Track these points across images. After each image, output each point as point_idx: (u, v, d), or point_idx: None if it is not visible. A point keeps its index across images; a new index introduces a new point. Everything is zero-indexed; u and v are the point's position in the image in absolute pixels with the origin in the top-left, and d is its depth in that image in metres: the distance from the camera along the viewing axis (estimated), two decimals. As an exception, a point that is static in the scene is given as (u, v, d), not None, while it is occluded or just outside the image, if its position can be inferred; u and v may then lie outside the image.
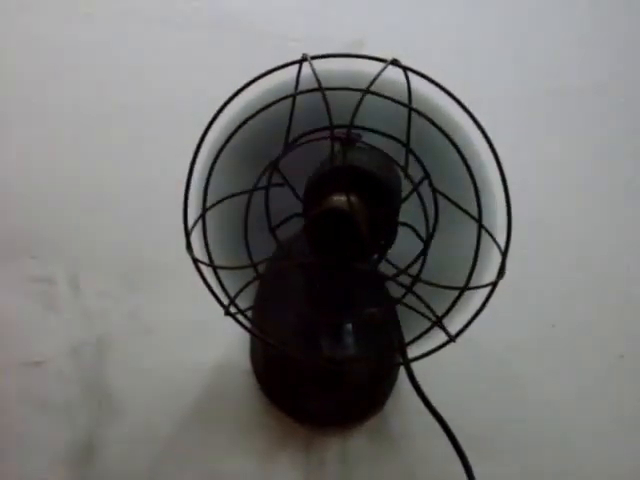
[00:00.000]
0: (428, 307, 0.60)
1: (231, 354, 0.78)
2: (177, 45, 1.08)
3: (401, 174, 0.59)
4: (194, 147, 0.60)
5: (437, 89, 0.56)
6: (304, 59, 0.57)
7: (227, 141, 0.58)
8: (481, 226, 0.58)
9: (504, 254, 0.58)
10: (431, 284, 0.59)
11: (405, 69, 0.57)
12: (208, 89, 1.00)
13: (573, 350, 0.82)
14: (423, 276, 0.60)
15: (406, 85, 0.59)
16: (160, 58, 1.06)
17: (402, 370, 0.74)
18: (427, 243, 0.60)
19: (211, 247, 0.63)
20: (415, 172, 0.59)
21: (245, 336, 0.78)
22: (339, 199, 0.55)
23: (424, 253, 0.60)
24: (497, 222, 0.59)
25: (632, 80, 1.09)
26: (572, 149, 0.99)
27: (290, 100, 0.58)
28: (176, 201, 0.87)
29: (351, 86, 0.55)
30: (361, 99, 0.54)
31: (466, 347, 0.74)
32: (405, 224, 0.61)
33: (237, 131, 0.58)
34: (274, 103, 0.57)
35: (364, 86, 0.55)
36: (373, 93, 0.54)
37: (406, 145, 0.59)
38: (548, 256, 0.87)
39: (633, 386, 0.80)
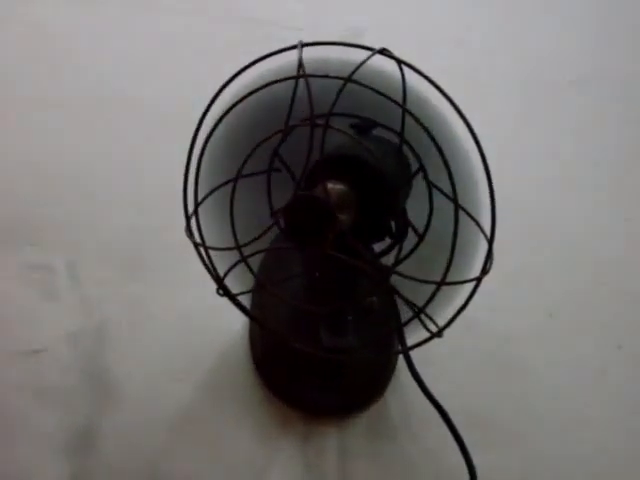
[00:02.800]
0: (407, 301, 0.60)
1: (230, 343, 0.78)
2: (176, 32, 1.08)
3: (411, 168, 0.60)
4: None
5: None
6: (294, 46, 0.57)
7: (214, 127, 0.60)
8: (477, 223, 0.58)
9: (489, 250, 0.57)
10: (407, 277, 0.58)
11: (394, 59, 0.56)
12: (206, 76, 1.00)
13: (571, 340, 0.82)
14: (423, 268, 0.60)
15: (400, 76, 0.59)
16: (159, 46, 1.06)
17: (401, 359, 0.74)
18: (422, 236, 0.61)
19: (210, 231, 0.65)
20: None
21: (245, 325, 0.78)
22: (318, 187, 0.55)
23: (417, 245, 0.61)
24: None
25: (630, 71, 1.10)
26: (572, 140, 1.00)
27: (278, 87, 0.58)
28: (175, 188, 0.87)
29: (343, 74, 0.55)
30: (342, 87, 0.54)
31: (465, 337, 0.75)
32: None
33: (224, 117, 0.59)
34: (261, 88, 0.58)
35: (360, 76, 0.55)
36: (354, 82, 0.54)
37: (401, 135, 0.59)
38: (546, 246, 0.88)
39: (631, 376, 0.80)
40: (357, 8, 1.14)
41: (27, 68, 1.01)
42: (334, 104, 0.54)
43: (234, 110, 0.60)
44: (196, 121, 0.60)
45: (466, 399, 0.75)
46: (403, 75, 0.58)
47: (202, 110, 0.60)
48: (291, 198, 0.54)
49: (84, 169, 0.91)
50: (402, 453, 0.72)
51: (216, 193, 0.64)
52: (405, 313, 0.63)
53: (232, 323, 0.78)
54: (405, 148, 0.61)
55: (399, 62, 0.56)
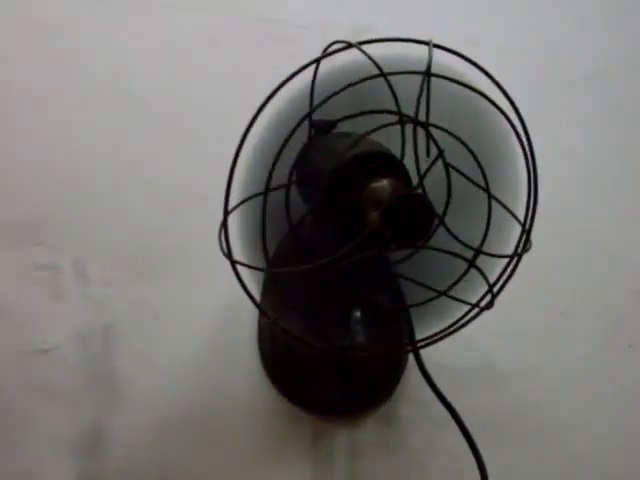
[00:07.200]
0: (485, 277, 0.61)
1: (238, 342, 0.78)
2: (183, 30, 1.07)
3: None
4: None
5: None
6: (350, 45, 0.56)
7: (290, 134, 0.55)
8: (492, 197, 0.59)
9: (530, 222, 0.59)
10: (490, 254, 0.59)
11: (448, 51, 0.56)
12: (214, 74, 1.00)
13: (582, 339, 0.82)
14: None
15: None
16: (165, 44, 1.05)
17: (411, 358, 0.74)
18: (442, 218, 0.60)
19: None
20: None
21: (253, 324, 0.78)
22: (399, 185, 0.54)
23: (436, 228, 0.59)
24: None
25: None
26: (585, 137, 0.99)
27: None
28: (181, 188, 0.87)
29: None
30: (424, 81, 0.54)
31: (475, 335, 0.74)
32: None
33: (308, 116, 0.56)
34: (342, 90, 0.55)
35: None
36: (435, 75, 0.54)
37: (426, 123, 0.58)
38: (558, 244, 0.87)
39: (642, 375, 0.80)
40: (365, 6, 1.13)
41: (31, 67, 1.01)
42: (428, 101, 0.54)
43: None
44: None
45: (476, 397, 0.74)
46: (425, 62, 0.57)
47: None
48: (393, 198, 0.52)
49: (91, 169, 0.91)
50: (412, 452, 0.72)
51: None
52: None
53: (240, 323, 0.78)
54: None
55: (456, 54, 0.56)
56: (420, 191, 0.56)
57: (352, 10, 1.12)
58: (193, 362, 0.76)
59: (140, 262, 0.83)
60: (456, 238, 0.58)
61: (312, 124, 0.61)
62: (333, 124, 0.62)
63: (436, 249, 0.57)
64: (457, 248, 0.58)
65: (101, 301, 0.80)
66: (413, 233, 0.53)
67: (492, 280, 0.60)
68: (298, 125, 0.55)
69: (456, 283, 0.62)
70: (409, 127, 0.57)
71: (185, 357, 0.76)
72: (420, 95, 0.54)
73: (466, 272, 0.61)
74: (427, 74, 0.54)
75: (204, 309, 0.79)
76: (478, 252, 0.59)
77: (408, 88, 0.55)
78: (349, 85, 0.54)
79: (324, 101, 0.54)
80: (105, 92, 0.98)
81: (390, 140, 0.59)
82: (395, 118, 0.56)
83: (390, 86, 0.54)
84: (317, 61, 0.56)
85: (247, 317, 0.70)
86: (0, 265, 0.82)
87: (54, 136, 0.93)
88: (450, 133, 0.57)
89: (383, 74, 0.54)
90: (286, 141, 0.54)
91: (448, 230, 0.58)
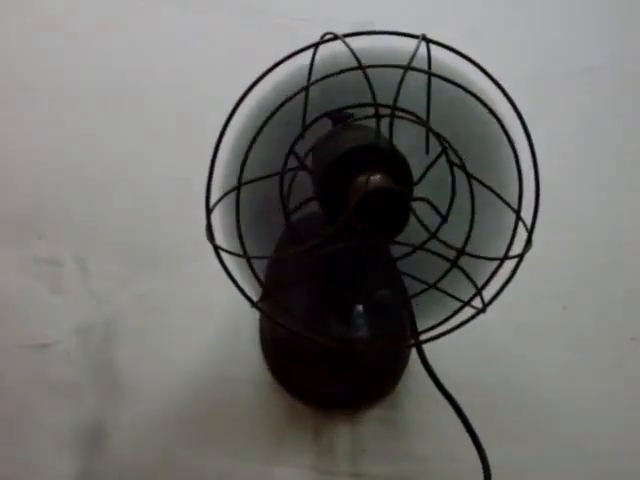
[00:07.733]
0: (469, 278, 0.61)
1: (240, 336, 0.78)
2: (183, 26, 1.07)
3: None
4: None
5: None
6: (336, 37, 0.55)
7: (264, 124, 0.55)
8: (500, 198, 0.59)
9: (532, 224, 0.59)
10: (475, 256, 0.58)
11: (441, 45, 0.56)
12: (216, 69, 1.00)
13: (585, 332, 0.81)
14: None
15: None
16: (166, 41, 1.06)
17: (413, 352, 0.74)
18: (445, 217, 0.59)
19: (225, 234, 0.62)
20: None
21: (255, 318, 0.78)
22: (379, 179, 0.53)
23: (439, 227, 0.59)
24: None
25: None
26: (586, 129, 0.99)
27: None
28: (183, 183, 0.87)
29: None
30: (404, 75, 0.53)
31: (478, 329, 0.73)
32: (422, 199, 0.59)
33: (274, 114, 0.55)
34: (315, 82, 0.55)
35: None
36: (414, 69, 0.54)
37: (426, 122, 0.59)
38: (559, 238, 0.87)
39: (646, 369, 0.79)
40: (368, 0, 1.13)
41: (32, 61, 1.01)
42: (397, 94, 0.53)
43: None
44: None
45: (479, 392, 0.74)
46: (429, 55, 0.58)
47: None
48: (366, 191, 0.52)
49: (92, 162, 0.91)
50: (414, 447, 0.72)
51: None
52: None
53: (241, 316, 0.78)
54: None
55: (447, 48, 0.56)
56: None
57: (354, 4, 1.12)
58: (194, 356, 0.76)
59: (141, 256, 0.83)
60: (434, 236, 0.57)
61: (326, 114, 0.61)
62: (348, 115, 0.61)
63: (418, 247, 0.57)
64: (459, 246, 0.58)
65: (102, 295, 0.80)
66: (389, 228, 0.53)
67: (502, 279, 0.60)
68: (277, 109, 0.54)
69: (441, 279, 0.62)
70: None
71: (186, 351, 0.76)
72: (399, 88, 0.53)
73: (448, 271, 0.60)
74: (412, 69, 0.53)
75: (205, 303, 0.79)
76: (461, 252, 0.58)
77: (411, 84, 0.55)
78: (325, 77, 0.54)
79: (294, 95, 0.54)
80: (106, 87, 0.98)
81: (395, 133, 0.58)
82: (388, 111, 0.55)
83: (367, 78, 0.53)
84: (296, 54, 0.55)
85: (248, 311, 0.69)
86: (0, 259, 0.82)
87: (55, 130, 0.93)
88: (418, 121, 0.57)
89: (361, 67, 0.53)
90: (262, 126, 0.54)
91: (424, 225, 0.57)
